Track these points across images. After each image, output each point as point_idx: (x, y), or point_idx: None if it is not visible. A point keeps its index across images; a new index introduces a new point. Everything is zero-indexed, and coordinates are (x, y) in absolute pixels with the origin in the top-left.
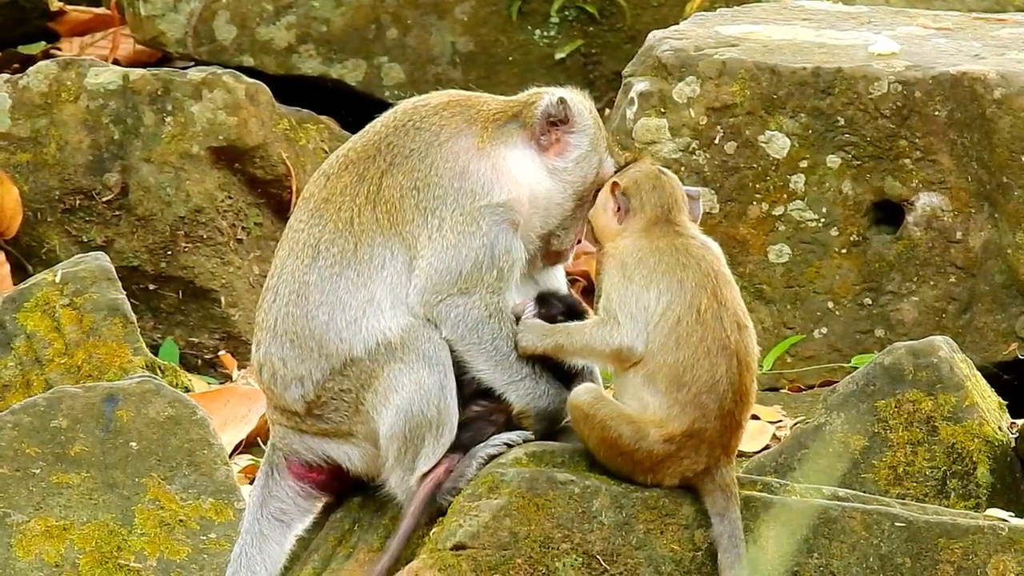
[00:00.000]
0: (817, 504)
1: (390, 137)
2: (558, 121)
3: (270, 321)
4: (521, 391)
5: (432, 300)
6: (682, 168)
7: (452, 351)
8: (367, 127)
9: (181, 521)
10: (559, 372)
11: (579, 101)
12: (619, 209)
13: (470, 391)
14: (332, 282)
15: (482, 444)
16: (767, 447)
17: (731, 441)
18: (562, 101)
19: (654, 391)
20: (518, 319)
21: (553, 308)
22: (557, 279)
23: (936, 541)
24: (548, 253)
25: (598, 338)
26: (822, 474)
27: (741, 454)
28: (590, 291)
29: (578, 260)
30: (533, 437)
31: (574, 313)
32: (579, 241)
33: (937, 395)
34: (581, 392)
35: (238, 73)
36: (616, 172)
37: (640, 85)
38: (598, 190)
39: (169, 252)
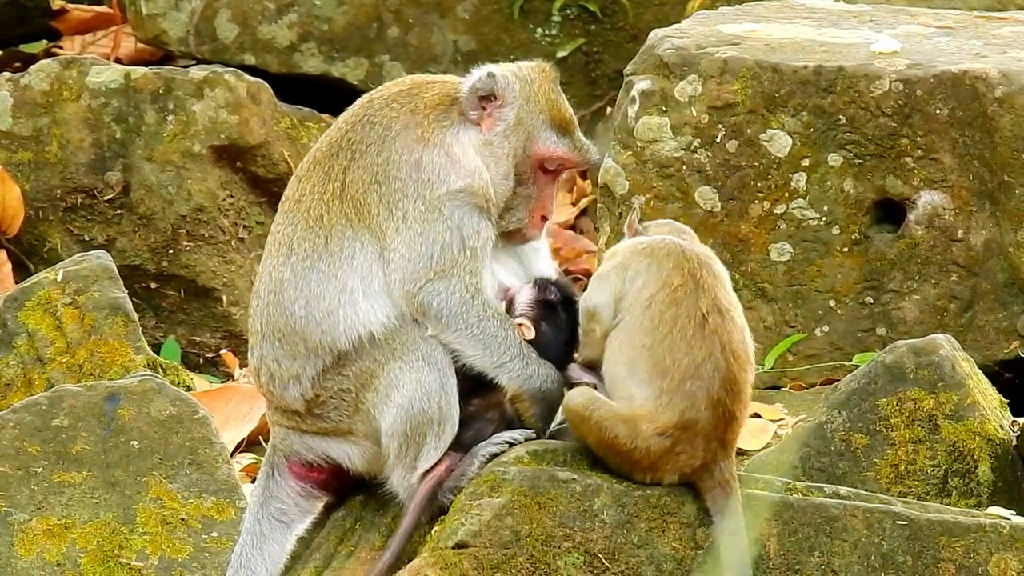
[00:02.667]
0: (819, 502)
1: (349, 133)
2: (490, 96)
3: (257, 324)
4: (513, 372)
5: (412, 289)
6: (684, 167)
7: (441, 343)
8: (334, 124)
9: (183, 520)
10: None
11: (512, 75)
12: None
13: (464, 387)
14: (304, 276)
15: (484, 442)
16: (769, 445)
17: (726, 434)
18: (490, 76)
19: (639, 381)
20: (510, 305)
21: (549, 294)
22: (546, 261)
23: (937, 539)
24: (506, 233)
25: (580, 302)
26: (821, 471)
27: (742, 452)
28: None
29: (579, 259)
30: (534, 436)
31: (570, 300)
32: (544, 219)
33: (938, 393)
34: (575, 395)
35: (240, 72)
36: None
37: (642, 84)
38: (540, 170)
39: (171, 251)
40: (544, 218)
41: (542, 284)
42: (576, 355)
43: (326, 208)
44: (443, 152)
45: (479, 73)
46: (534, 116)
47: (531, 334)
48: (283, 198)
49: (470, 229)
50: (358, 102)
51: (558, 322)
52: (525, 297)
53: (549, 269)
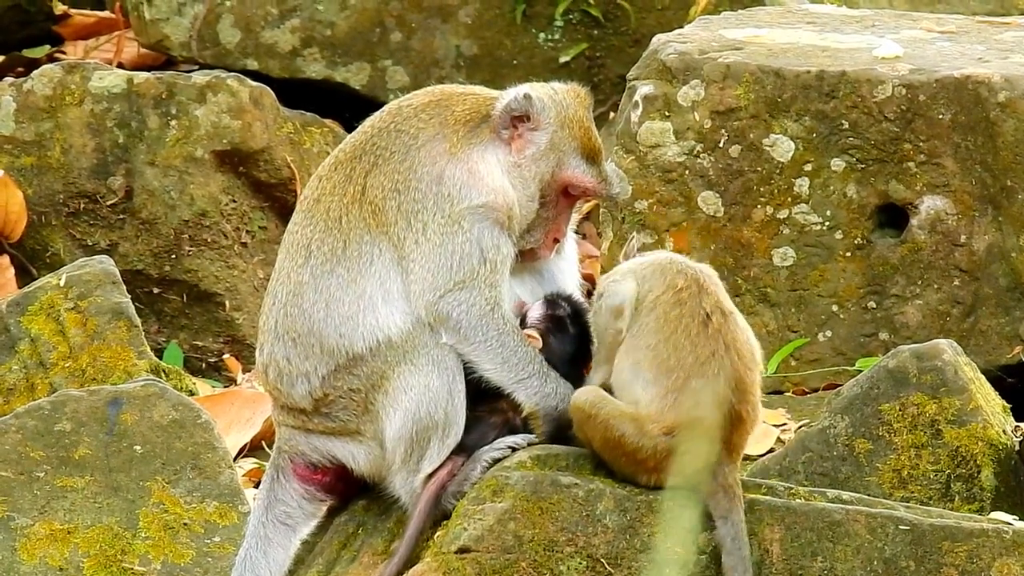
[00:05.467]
0: (821, 507)
1: (375, 138)
2: (523, 117)
3: (271, 323)
4: (530, 389)
5: (432, 299)
6: (687, 171)
7: (459, 354)
8: (359, 128)
9: (185, 524)
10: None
11: (548, 98)
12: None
13: (471, 393)
14: (324, 280)
15: (486, 447)
16: (771, 450)
17: (733, 436)
18: (526, 97)
19: (644, 382)
20: (523, 320)
21: (559, 309)
22: (569, 282)
23: (940, 544)
24: (522, 252)
25: (601, 306)
26: (824, 476)
27: (745, 457)
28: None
29: (582, 264)
30: (537, 440)
31: (580, 315)
32: (556, 241)
33: (941, 398)
34: (582, 393)
35: (242, 76)
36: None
37: (644, 88)
38: (563, 193)
39: (173, 256)
40: (556, 240)
41: (553, 299)
42: (590, 373)
43: (345, 211)
44: (467, 169)
45: (515, 93)
46: (566, 143)
47: (538, 344)
48: (302, 196)
49: (490, 243)
50: (386, 108)
51: (565, 337)
52: (536, 312)
53: (573, 290)
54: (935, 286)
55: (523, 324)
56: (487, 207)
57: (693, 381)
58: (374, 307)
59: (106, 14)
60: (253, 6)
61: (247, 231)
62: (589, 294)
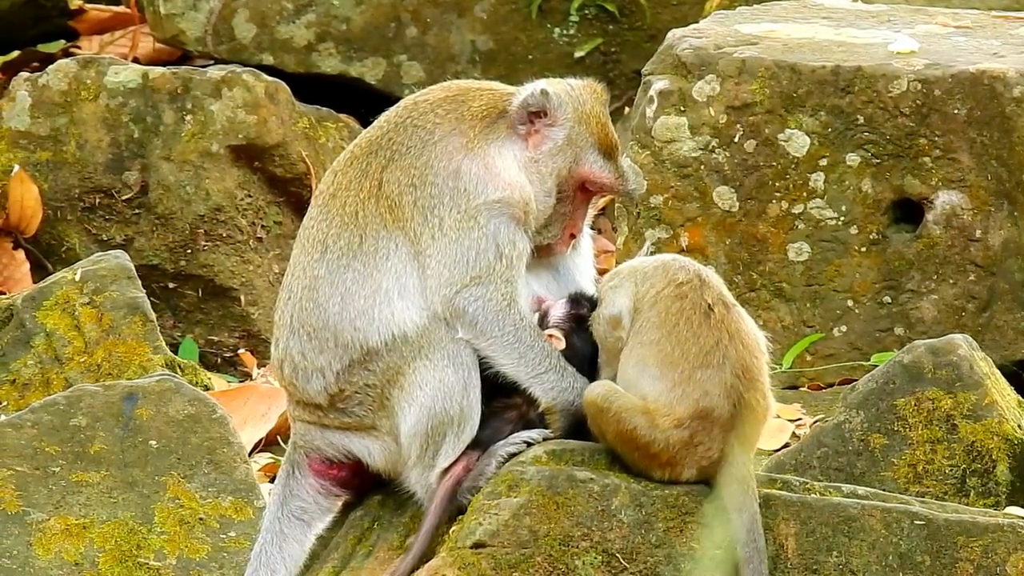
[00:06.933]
0: (837, 502)
1: (390, 133)
2: (540, 112)
3: (286, 318)
4: (547, 384)
5: (448, 293)
6: (702, 167)
7: (475, 349)
8: (374, 123)
9: (201, 519)
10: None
11: (565, 93)
12: None
13: (486, 388)
14: (340, 274)
15: (502, 442)
16: (787, 445)
17: (744, 426)
18: (544, 93)
19: (650, 378)
20: (544, 319)
21: (582, 308)
22: (584, 277)
23: (955, 539)
24: (537, 247)
25: (599, 315)
26: (839, 471)
27: (760, 452)
28: None
29: (597, 259)
30: (552, 435)
31: None
32: (572, 236)
33: (956, 393)
34: (595, 387)
35: (258, 71)
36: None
37: (660, 83)
38: (580, 189)
39: (189, 250)
40: (573, 235)
41: (576, 298)
42: (600, 376)
43: (361, 206)
44: (483, 164)
45: (532, 88)
46: (583, 138)
47: (561, 345)
48: (317, 191)
49: (506, 239)
50: (402, 103)
51: (588, 336)
52: (559, 311)
53: (588, 285)
54: (950, 281)
55: (544, 323)
56: (503, 202)
57: (698, 372)
58: (390, 302)
59: (121, 9)
60: (268, 1)
61: (262, 226)
62: None
